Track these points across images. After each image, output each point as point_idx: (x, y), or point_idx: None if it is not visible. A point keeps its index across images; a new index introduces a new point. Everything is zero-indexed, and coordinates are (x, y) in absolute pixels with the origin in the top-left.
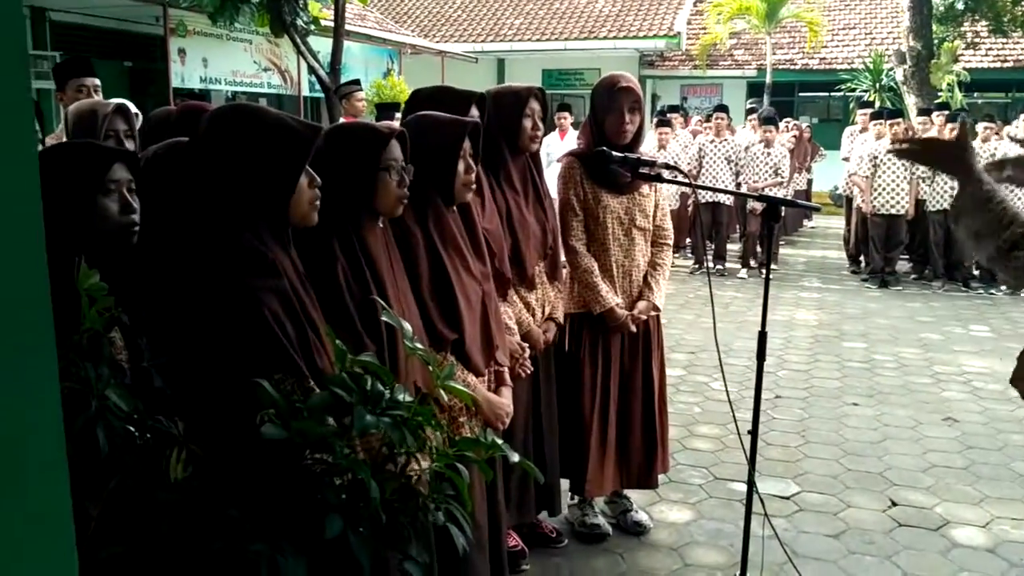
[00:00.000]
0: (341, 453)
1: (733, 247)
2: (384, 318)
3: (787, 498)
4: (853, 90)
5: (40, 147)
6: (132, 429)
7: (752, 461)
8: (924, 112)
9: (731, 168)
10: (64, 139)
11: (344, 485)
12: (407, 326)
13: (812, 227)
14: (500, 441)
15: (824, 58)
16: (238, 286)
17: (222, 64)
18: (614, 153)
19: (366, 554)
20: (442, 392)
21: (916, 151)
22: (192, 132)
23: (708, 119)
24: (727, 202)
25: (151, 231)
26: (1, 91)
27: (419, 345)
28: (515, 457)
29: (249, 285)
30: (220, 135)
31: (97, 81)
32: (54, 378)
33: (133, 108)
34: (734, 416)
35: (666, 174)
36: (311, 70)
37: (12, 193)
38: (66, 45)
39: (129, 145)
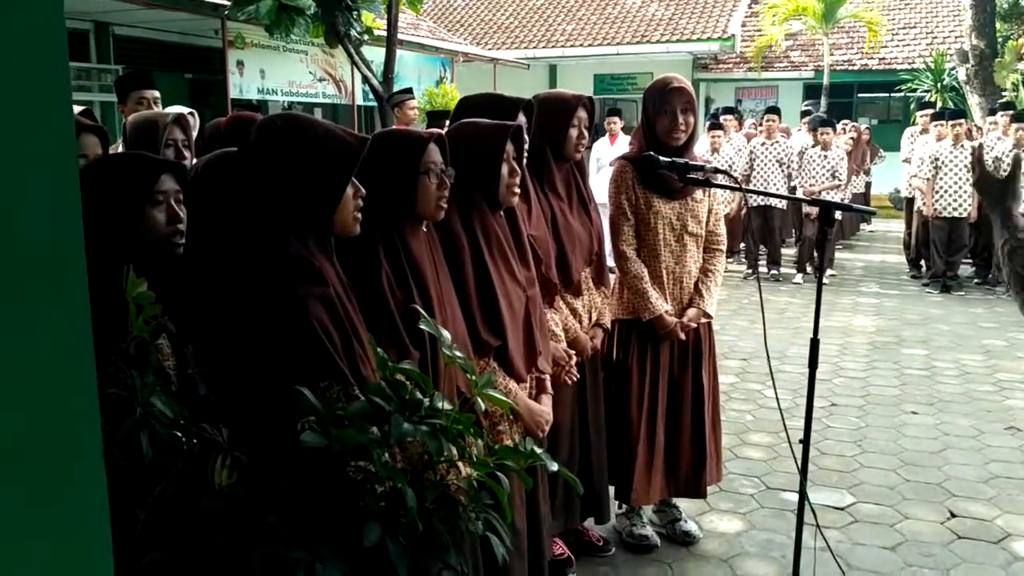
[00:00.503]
0: (379, 461)
1: (789, 251)
2: (423, 326)
3: (842, 509)
4: (914, 90)
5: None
6: (178, 435)
7: (803, 471)
8: (992, 112)
9: (783, 171)
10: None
11: (383, 493)
12: (446, 334)
13: (871, 231)
14: (539, 450)
15: (883, 58)
16: (285, 293)
17: (279, 75)
18: (662, 159)
19: (404, 562)
20: (479, 400)
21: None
22: (242, 142)
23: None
24: (779, 206)
25: (199, 240)
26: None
27: (458, 353)
28: (554, 466)
29: (296, 292)
30: (269, 145)
31: (157, 93)
32: (92, 382)
33: (193, 118)
34: (784, 425)
35: (717, 179)
36: (364, 79)
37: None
38: (129, 58)
39: (187, 155)
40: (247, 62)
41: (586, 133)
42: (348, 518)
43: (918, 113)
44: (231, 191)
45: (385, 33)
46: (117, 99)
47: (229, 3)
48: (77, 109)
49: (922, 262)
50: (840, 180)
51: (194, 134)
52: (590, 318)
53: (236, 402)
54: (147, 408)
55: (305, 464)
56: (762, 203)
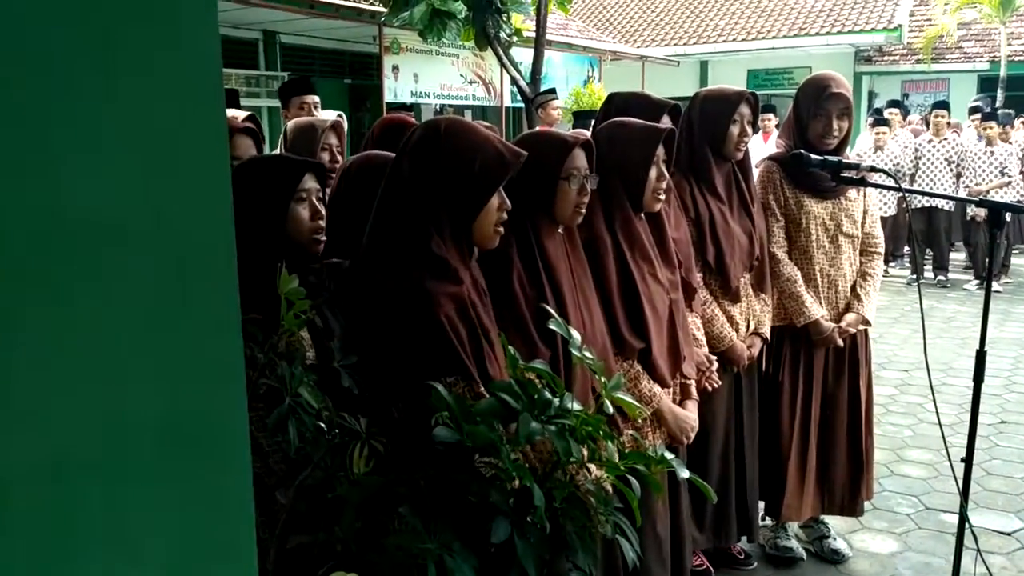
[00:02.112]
0: (508, 458)
1: (959, 256)
2: (551, 325)
3: (1008, 534)
4: None
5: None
6: (322, 425)
7: (964, 490)
8: None
9: (952, 170)
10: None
11: (513, 491)
12: (575, 334)
13: None
14: (670, 456)
15: None
16: (418, 289)
17: (431, 78)
18: (813, 156)
19: (532, 561)
20: (607, 402)
21: None
22: (396, 142)
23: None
24: (945, 207)
25: (344, 237)
26: (198, 110)
27: (588, 354)
28: (684, 473)
29: (428, 289)
30: (427, 145)
31: (317, 98)
32: (241, 372)
33: (342, 119)
34: (944, 441)
35: (875, 178)
36: (513, 81)
37: (207, 201)
38: (294, 65)
39: (340, 159)
40: (402, 66)
41: (749, 130)
42: (478, 514)
43: None
44: (385, 188)
45: (534, 34)
46: (281, 105)
47: (385, 10)
48: (243, 114)
49: None
50: (1010, 177)
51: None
52: (748, 326)
53: (375, 394)
54: (295, 399)
55: (437, 458)
56: (927, 204)
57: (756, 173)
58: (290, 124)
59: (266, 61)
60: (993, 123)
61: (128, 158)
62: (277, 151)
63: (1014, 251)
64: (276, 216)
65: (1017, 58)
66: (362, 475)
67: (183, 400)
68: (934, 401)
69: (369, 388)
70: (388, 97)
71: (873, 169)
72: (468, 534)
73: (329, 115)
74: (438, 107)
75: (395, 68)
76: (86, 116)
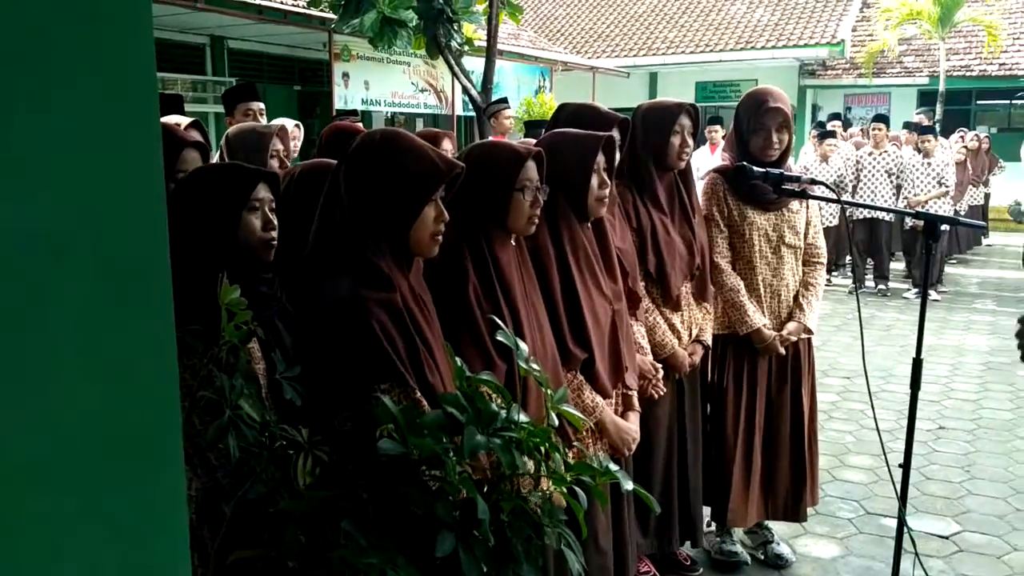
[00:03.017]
0: (454, 471)
1: (898, 265)
2: (499, 337)
3: (946, 538)
4: None
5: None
6: (263, 438)
7: (903, 495)
8: None
9: (891, 181)
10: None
11: (458, 503)
12: (523, 346)
13: (989, 245)
14: (615, 467)
15: (1004, 64)
16: (351, 296)
17: (382, 86)
18: (755, 169)
19: (476, 573)
20: (552, 414)
21: None
22: (342, 151)
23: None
24: (886, 218)
25: (292, 246)
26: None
27: (535, 365)
28: (629, 485)
29: (360, 295)
30: (363, 155)
31: (262, 105)
32: (174, 384)
33: (299, 129)
34: (883, 447)
35: (816, 190)
36: (464, 90)
37: (140, 209)
38: (242, 71)
39: (287, 165)
40: (352, 74)
41: (690, 141)
42: (423, 527)
43: None
44: (324, 196)
45: (485, 44)
46: (225, 111)
47: (335, 17)
48: (187, 120)
49: None
50: (948, 187)
51: (299, 144)
52: (690, 334)
53: (316, 406)
54: (235, 411)
55: (382, 471)
56: (868, 215)
57: (702, 185)
58: (231, 131)
59: (213, 66)
60: (931, 136)
61: (58, 167)
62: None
63: (951, 261)
64: (228, 225)
65: (955, 73)
66: (305, 488)
67: (114, 410)
68: (873, 408)
69: (313, 399)
70: (338, 104)
71: (814, 182)
72: (413, 548)
73: (288, 124)
74: (388, 115)
75: (345, 75)
76: (17, 125)
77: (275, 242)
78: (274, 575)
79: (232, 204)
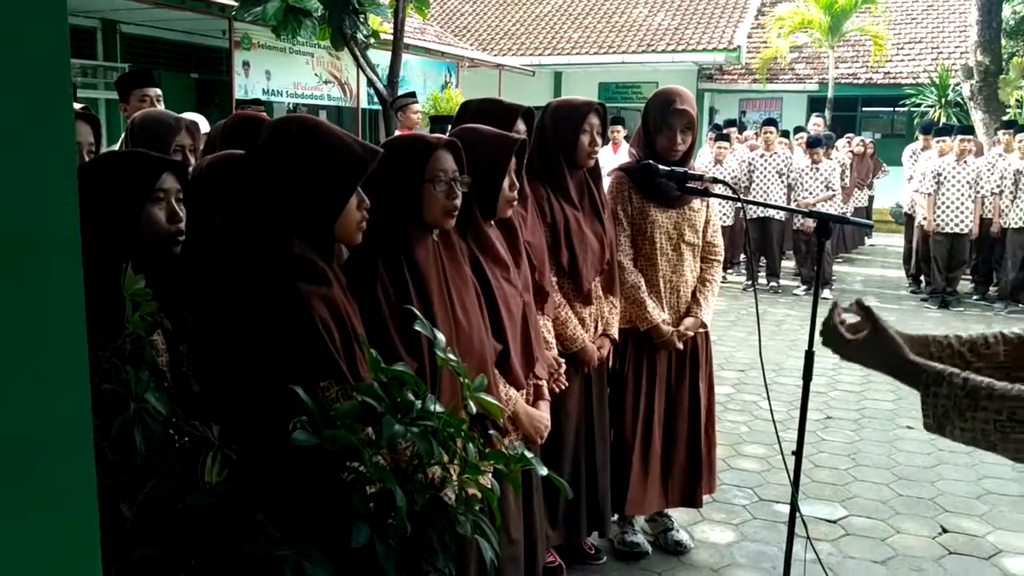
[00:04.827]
0: (370, 462)
1: (789, 264)
2: (417, 327)
3: (834, 522)
4: (918, 105)
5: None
6: (171, 432)
7: (796, 483)
8: (1007, 126)
9: (783, 182)
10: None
11: (374, 494)
12: (440, 336)
13: (872, 245)
14: (529, 455)
15: (889, 72)
16: (288, 291)
17: (284, 76)
18: (661, 167)
19: (392, 564)
20: (470, 403)
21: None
22: (249, 141)
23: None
24: (778, 217)
25: (198, 239)
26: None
27: (451, 356)
28: (543, 471)
29: (299, 290)
30: (280, 146)
31: (159, 91)
32: (84, 378)
33: (204, 127)
34: (778, 437)
35: (717, 189)
36: (370, 83)
37: (50, 196)
38: (135, 57)
39: (192, 160)
40: (253, 63)
41: (598, 139)
42: (337, 518)
43: (920, 135)
44: (237, 189)
45: (391, 37)
46: (119, 97)
47: (236, 3)
48: (78, 106)
49: (922, 277)
50: (834, 190)
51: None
52: (597, 328)
53: (229, 400)
54: (141, 404)
55: (296, 463)
56: (761, 215)
57: (607, 183)
58: (137, 115)
59: (105, 51)
60: (819, 149)
61: None
62: (117, 146)
63: (837, 260)
64: (130, 216)
65: (843, 80)
66: (215, 484)
67: (19, 404)
68: (768, 399)
69: (224, 393)
70: (239, 94)
71: (716, 180)
72: (328, 539)
73: (201, 122)
74: (291, 106)
75: (246, 64)
76: None
77: (182, 235)
78: (179, 572)
79: (136, 194)
